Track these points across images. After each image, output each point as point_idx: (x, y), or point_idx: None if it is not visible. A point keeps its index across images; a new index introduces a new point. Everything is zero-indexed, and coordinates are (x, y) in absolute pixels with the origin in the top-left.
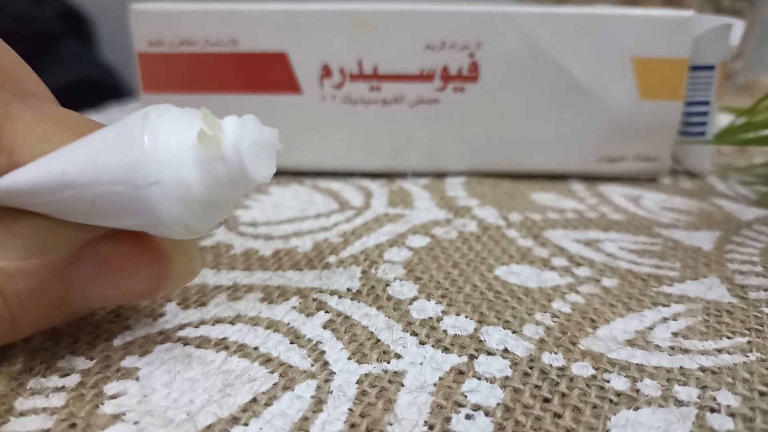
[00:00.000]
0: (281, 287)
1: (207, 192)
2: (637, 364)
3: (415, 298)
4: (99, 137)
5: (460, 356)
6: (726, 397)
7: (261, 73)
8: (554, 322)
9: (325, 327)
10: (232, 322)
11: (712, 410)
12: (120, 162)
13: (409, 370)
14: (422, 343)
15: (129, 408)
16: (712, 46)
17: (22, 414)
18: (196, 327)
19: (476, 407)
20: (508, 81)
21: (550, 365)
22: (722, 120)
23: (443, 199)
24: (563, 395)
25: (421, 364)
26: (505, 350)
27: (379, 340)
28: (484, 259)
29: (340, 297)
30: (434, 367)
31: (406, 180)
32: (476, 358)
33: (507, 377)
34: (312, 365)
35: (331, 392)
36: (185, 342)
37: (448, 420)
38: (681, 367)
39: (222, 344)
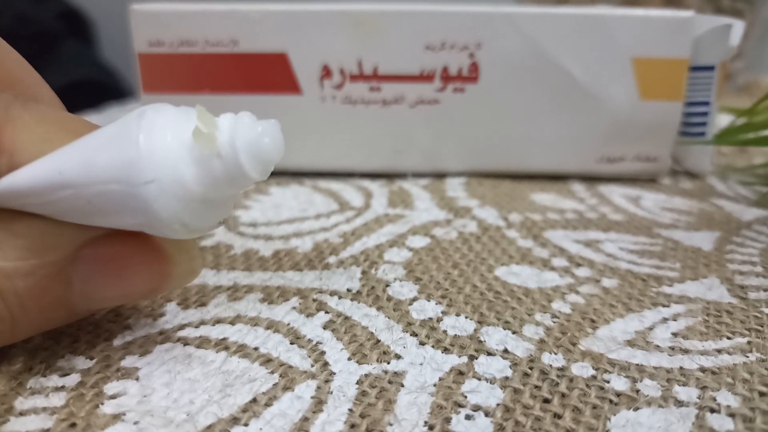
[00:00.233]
0: (281, 288)
1: (204, 189)
2: (637, 365)
3: (415, 299)
4: (96, 137)
5: (460, 357)
6: (726, 398)
7: (261, 74)
8: (554, 322)
9: (325, 327)
10: (232, 323)
11: (712, 410)
12: (116, 161)
13: (409, 370)
14: (422, 343)
15: (129, 408)
16: (712, 46)
17: (22, 413)
18: (196, 327)
19: (476, 408)
20: (508, 81)
21: (550, 366)
22: (722, 120)
23: (443, 199)
24: (563, 396)
25: (421, 364)
26: (505, 351)
27: (379, 341)
28: (484, 259)
29: (340, 297)
30: (434, 368)
31: (406, 180)
32: (476, 358)
33: (507, 378)
34: (312, 366)
35: (331, 392)
36: (185, 342)
37: (448, 420)
38: (681, 368)
39: (222, 344)
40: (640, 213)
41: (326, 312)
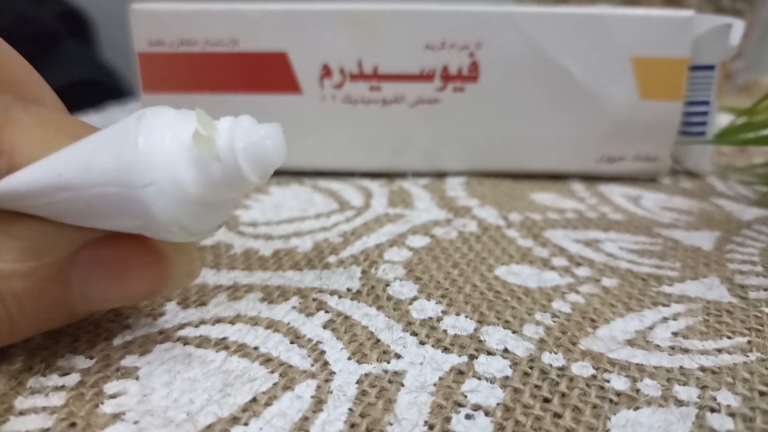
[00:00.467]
0: (281, 287)
1: (202, 192)
2: (637, 364)
3: (415, 298)
4: (94, 139)
5: (460, 356)
6: (726, 397)
7: (261, 73)
8: (554, 322)
9: (325, 327)
10: (232, 322)
11: (712, 410)
12: (114, 163)
13: (409, 370)
14: (422, 343)
15: (129, 407)
16: (712, 46)
17: (21, 413)
18: (196, 327)
19: (476, 407)
20: (508, 81)
21: (550, 365)
22: (722, 120)
23: (443, 199)
24: (563, 395)
25: (421, 364)
26: (505, 350)
27: (379, 340)
28: (484, 259)
29: (340, 297)
30: (434, 367)
31: (406, 180)
32: (476, 358)
33: (507, 377)
34: (312, 365)
35: (331, 392)
36: (185, 342)
37: (448, 420)
38: (681, 367)
39: (222, 344)
40: (640, 212)
41: (326, 311)
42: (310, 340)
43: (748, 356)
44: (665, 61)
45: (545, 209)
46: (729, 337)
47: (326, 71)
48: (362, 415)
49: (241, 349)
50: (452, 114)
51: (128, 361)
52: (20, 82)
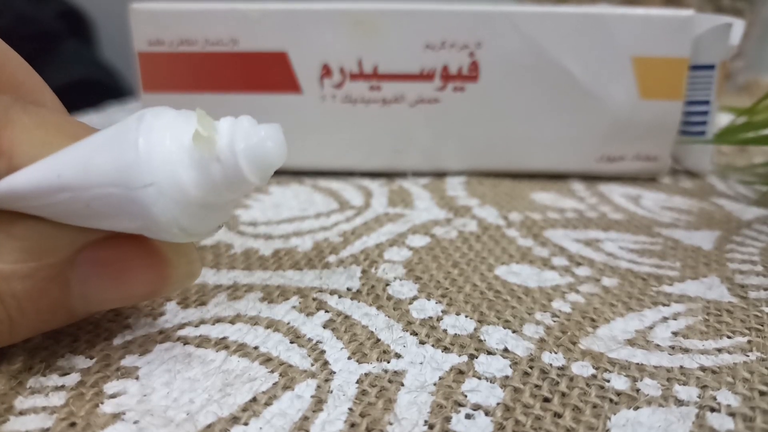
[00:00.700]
0: (281, 287)
1: (203, 193)
2: (637, 364)
3: (415, 298)
4: (94, 140)
5: (460, 356)
6: (726, 397)
7: (261, 73)
8: (554, 321)
9: (325, 326)
10: (232, 322)
11: (713, 410)
12: (114, 164)
13: (409, 369)
14: (422, 342)
15: (129, 407)
16: (712, 45)
17: (21, 413)
18: (196, 326)
19: (476, 407)
20: (508, 80)
21: (550, 365)
22: (722, 120)
23: (443, 198)
24: (563, 395)
25: (421, 363)
26: (505, 350)
27: (379, 340)
28: (484, 258)
29: (340, 296)
30: (434, 367)
31: (406, 180)
32: (476, 357)
33: (507, 377)
34: (312, 365)
35: (331, 392)
36: (185, 341)
37: (448, 420)
38: (681, 367)
39: (222, 344)
40: (640, 212)
41: (326, 311)
42: (310, 339)
43: (748, 356)
44: (665, 60)
45: (545, 209)
46: (729, 337)
47: (326, 71)
48: (362, 415)
49: (241, 349)
50: (452, 114)
51: (128, 360)
52: (20, 84)
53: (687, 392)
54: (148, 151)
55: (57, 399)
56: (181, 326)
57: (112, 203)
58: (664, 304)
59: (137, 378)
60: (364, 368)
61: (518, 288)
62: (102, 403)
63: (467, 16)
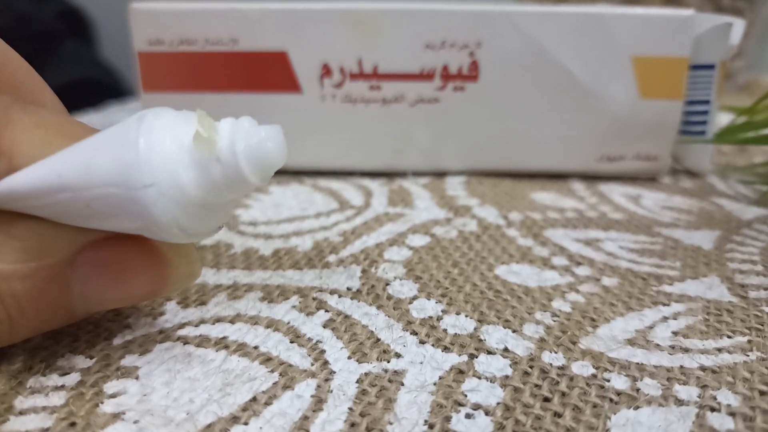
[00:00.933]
0: (281, 286)
1: (203, 194)
2: (638, 364)
3: (415, 298)
4: (95, 140)
5: (460, 355)
6: (726, 397)
7: (261, 73)
8: (554, 321)
9: (325, 326)
10: (232, 321)
11: (713, 409)
12: (115, 164)
13: (409, 369)
14: (422, 342)
15: (129, 407)
16: (713, 45)
17: (21, 413)
18: (196, 326)
19: (476, 406)
20: (508, 80)
21: (550, 364)
22: (722, 119)
23: (443, 198)
24: (563, 394)
25: (421, 363)
26: (505, 349)
27: (379, 340)
28: (484, 258)
29: (340, 296)
30: (434, 367)
31: (406, 179)
32: (476, 357)
33: (507, 376)
34: (312, 364)
35: (331, 391)
36: (185, 341)
37: (448, 419)
38: (681, 367)
39: (222, 343)
40: (640, 212)
41: (326, 311)
42: (310, 339)
43: (748, 355)
44: (665, 60)
45: (545, 208)
46: (729, 337)
47: (326, 70)
48: (362, 415)
49: (241, 349)
50: (452, 113)
51: (128, 360)
52: (21, 84)
53: (687, 392)
54: (149, 152)
55: (57, 399)
56: (181, 326)
57: (113, 203)
58: (664, 304)
59: (137, 378)
60: (364, 368)
61: (518, 288)
62: (102, 402)
63: (467, 16)
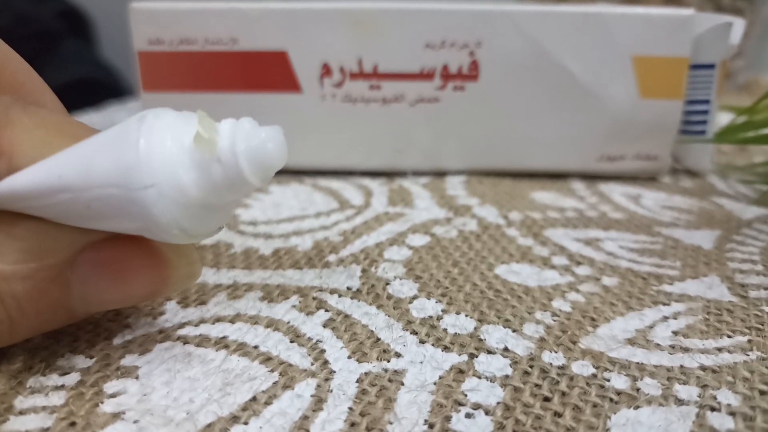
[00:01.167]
0: (281, 286)
1: (203, 195)
2: (638, 363)
3: (415, 297)
4: (95, 141)
5: (460, 355)
6: (726, 396)
7: (261, 72)
8: (554, 320)
9: (325, 326)
10: (232, 321)
11: (713, 409)
12: (115, 165)
13: (409, 368)
14: (422, 342)
15: (129, 407)
16: (713, 44)
17: (21, 412)
18: (196, 326)
19: (476, 406)
20: (508, 80)
21: (551, 364)
22: (722, 119)
23: (443, 198)
24: (563, 394)
25: (421, 362)
26: (506, 349)
27: (379, 339)
28: (484, 257)
29: (340, 296)
30: (434, 366)
31: (406, 179)
32: (476, 357)
33: (507, 376)
34: (312, 364)
35: (331, 391)
36: (185, 341)
37: (448, 419)
38: (681, 366)
39: (222, 343)
40: (640, 211)
41: (326, 310)
42: (310, 338)
43: (748, 355)
44: (665, 59)
45: (545, 208)
46: (729, 336)
47: (326, 70)
48: (362, 414)
49: (241, 348)
50: (452, 113)
51: (128, 360)
52: (21, 85)
53: (687, 391)
54: (149, 152)
55: (57, 398)
56: (181, 326)
57: (113, 204)
58: (664, 304)
59: (137, 377)
60: (364, 367)
61: (518, 287)
62: (102, 402)
63: (467, 16)
